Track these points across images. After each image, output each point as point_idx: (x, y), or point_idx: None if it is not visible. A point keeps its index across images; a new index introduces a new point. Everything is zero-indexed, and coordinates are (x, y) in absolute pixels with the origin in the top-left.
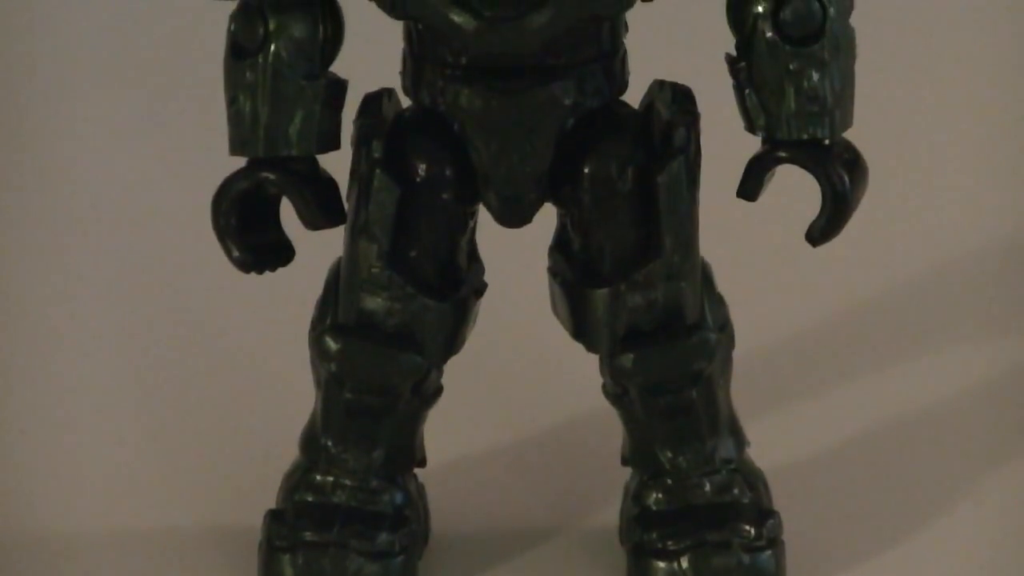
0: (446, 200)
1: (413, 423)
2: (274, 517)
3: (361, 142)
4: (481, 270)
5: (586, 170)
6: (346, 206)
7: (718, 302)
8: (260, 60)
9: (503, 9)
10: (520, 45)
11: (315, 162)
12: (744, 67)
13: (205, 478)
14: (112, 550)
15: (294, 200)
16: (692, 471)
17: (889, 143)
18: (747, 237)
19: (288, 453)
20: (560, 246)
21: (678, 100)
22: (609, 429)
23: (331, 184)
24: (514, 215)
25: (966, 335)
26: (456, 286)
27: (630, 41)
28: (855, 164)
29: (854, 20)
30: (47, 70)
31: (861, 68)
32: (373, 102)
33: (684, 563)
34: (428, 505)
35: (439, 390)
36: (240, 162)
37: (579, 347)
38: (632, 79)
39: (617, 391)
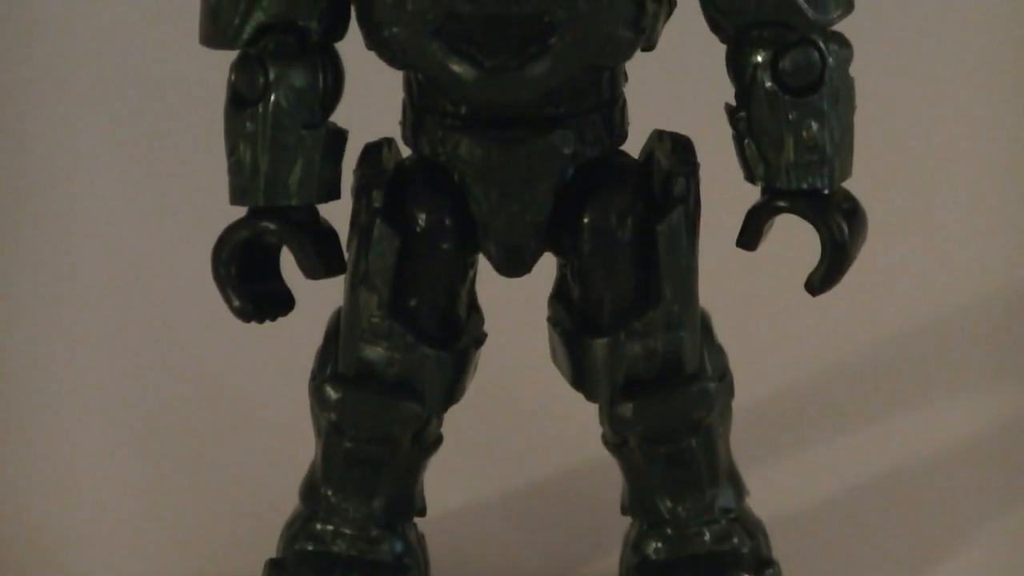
0: (446, 250)
1: (413, 472)
2: (274, 566)
3: (361, 192)
4: (481, 320)
5: (585, 220)
6: (346, 256)
7: (717, 351)
8: (260, 110)
9: (503, 59)
10: (520, 95)
11: (315, 212)
12: (743, 117)
13: (206, 527)
14: None
15: (294, 250)
16: (692, 520)
17: (888, 193)
18: (746, 287)
19: (288, 502)
20: (560, 295)
21: (678, 150)
22: (609, 478)
23: (331, 234)
24: (514, 264)
25: (966, 385)
26: (456, 336)
27: (630, 91)
28: (854, 214)
29: (853, 70)
30: (47, 120)
31: (860, 118)
32: (373, 152)
33: None
34: (428, 554)
35: (439, 439)
36: (240, 211)
37: (579, 396)
38: (632, 129)
39: (617, 440)
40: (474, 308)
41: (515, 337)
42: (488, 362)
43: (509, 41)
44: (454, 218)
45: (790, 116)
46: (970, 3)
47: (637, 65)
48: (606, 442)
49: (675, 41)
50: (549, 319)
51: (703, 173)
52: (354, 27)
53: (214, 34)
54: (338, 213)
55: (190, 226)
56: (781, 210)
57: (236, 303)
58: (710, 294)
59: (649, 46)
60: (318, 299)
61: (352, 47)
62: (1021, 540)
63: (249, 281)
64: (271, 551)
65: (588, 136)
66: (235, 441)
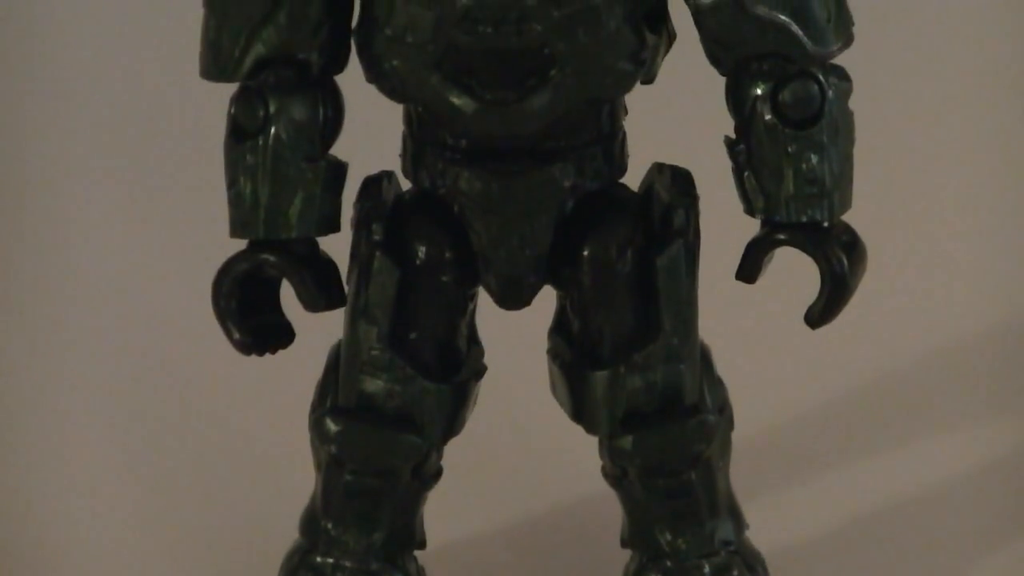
0: (446, 282)
1: (413, 505)
2: None
3: (361, 224)
4: (481, 353)
5: (585, 252)
6: (346, 288)
7: (717, 384)
8: (260, 142)
9: (503, 92)
10: (520, 128)
11: (315, 244)
12: (743, 149)
13: (205, 559)
14: None
15: (294, 282)
16: (691, 553)
17: (887, 225)
18: (746, 319)
19: (288, 534)
20: (559, 328)
21: (677, 183)
22: (608, 511)
23: (331, 266)
24: (514, 297)
25: (966, 417)
26: (456, 368)
27: (629, 124)
28: (854, 246)
29: (853, 102)
30: (49, 155)
31: (860, 149)
32: (373, 185)
33: None
34: None
35: (439, 472)
36: (240, 244)
37: (578, 429)
38: (631, 162)
39: (616, 473)
40: (474, 341)
41: (515, 370)
42: (488, 395)
43: (509, 74)
44: (454, 251)
45: (790, 149)
46: (970, 38)
47: (637, 98)
48: (606, 475)
49: (675, 74)
50: (549, 352)
51: (702, 206)
52: (354, 60)
53: (214, 67)
54: (338, 246)
55: (191, 258)
56: (781, 243)
57: (236, 336)
58: (710, 327)
59: (649, 79)
60: (318, 332)
61: (352, 80)
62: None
63: (249, 314)
64: None
65: (588, 169)
66: (235, 473)
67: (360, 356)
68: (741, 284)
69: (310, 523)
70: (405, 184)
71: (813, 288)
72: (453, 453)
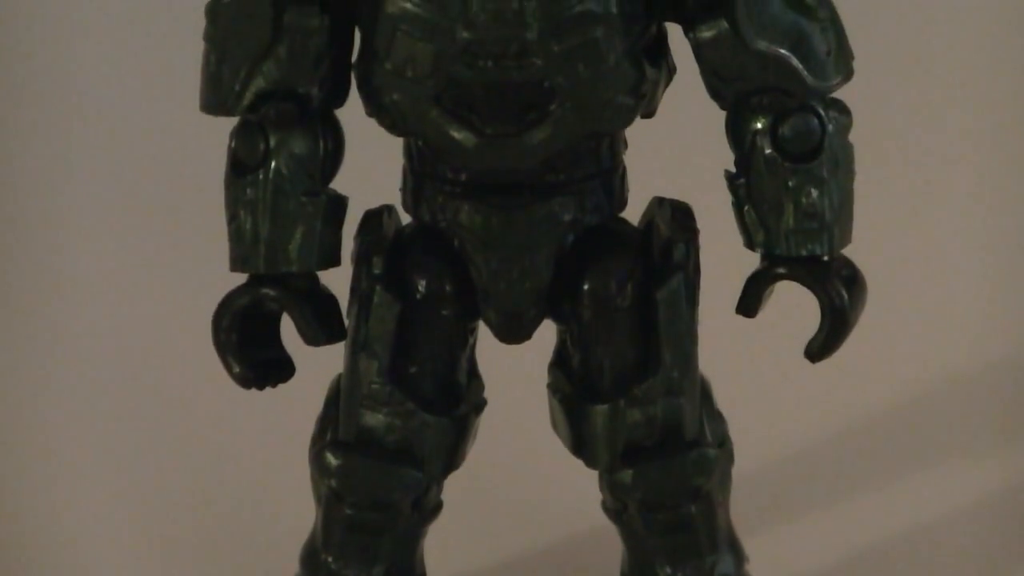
0: (446, 316)
1: (413, 539)
2: None
3: (361, 259)
4: (481, 386)
5: (585, 286)
6: (346, 322)
7: (717, 418)
8: (261, 176)
9: (503, 126)
10: (520, 162)
11: (315, 278)
12: (743, 183)
13: None
14: None
15: (294, 316)
16: None
17: (887, 259)
18: (746, 353)
19: (288, 568)
20: (559, 362)
21: (677, 217)
22: (608, 545)
23: (331, 300)
24: (514, 331)
25: (967, 451)
26: (456, 402)
27: (630, 158)
28: (854, 280)
29: (853, 134)
30: (48, 187)
31: (859, 183)
32: (373, 219)
33: None
34: None
35: (439, 506)
36: (241, 278)
37: (578, 463)
38: (632, 196)
39: (616, 507)
40: (474, 375)
41: (515, 404)
42: (488, 429)
43: (509, 108)
44: (454, 285)
45: (789, 183)
46: (973, 75)
47: (637, 132)
48: (606, 509)
49: (675, 108)
50: (549, 386)
51: (703, 239)
52: (354, 94)
53: (214, 101)
54: (338, 280)
55: (191, 292)
56: (781, 277)
57: (236, 369)
58: (710, 360)
59: (649, 113)
60: (318, 365)
61: (352, 114)
62: None
63: (249, 348)
64: None
65: (588, 203)
66: (235, 507)
67: (360, 390)
68: (741, 318)
69: (310, 557)
70: (405, 218)
71: (813, 322)
72: (453, 487)
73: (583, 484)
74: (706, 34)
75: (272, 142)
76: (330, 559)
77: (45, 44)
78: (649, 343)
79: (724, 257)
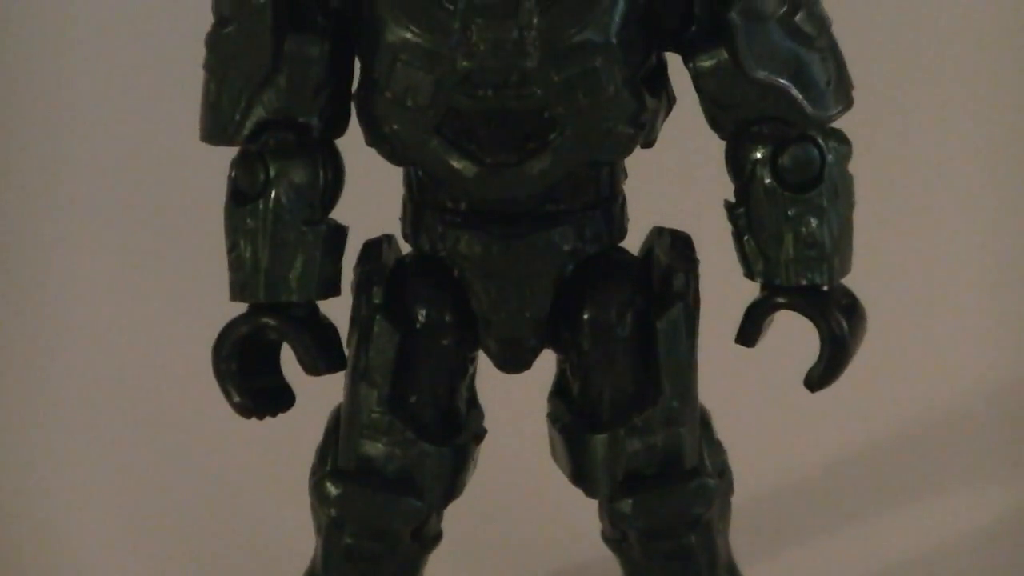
0: (446, 346)
1: (413, 569)
2: None
3: (361, 288)
4: (481, 416)
5: (585, 316)
6: (346, 351)
7: (717, 447)
8: (261, 206)
9: (503, 155)
10: (520, 191)
11: (315, 308)
12: (743, 213)
13: None
14: None
15: (294, 346)
16: None
17: (886, 289)
18: (746, 383)
19: None
20: (559, 392)
21: (677, 246)
22: (608, 574)
23: (331, 330)
24: (514, 360)
25: (967, 481)
26: (456, 431)
27: (629, 187)
28: (853, 310)
29: (853, 165)
30: (48, 218)
31: (858, 212)
32: (373, 248)
33: None
34: None
35: (439, 535)
36: (240, 307)
37: (578, 492)
38: (631, 225)
39: (616, 536)
40: (474, 404)
41: (515, 433)
42: (488, 458)
43: (509, 137)
44: (454, 314)
45: (789, 212)
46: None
47: (637, 162)
48: (606, 538)
49: (674, 138)
50: (549, 415)
51: (702, 269)
52: (354, 123)
53: (215, 130)
54: (338, 309)
55: (191, 321)
56: (780, 306)
57: (236, 399)
58: (710, 390)
59: (649, 142)
60: (318, 395)
61: (352, 143)
62: None
63: (249, 377)
64: None
65: (588, 232)
66: (235, 537)
67: (360, 419)
68: (741, 347)
69: None
70: (405, 248)
71: (813, 351)
72: (453, 516)
73: (583, 513)
74: (706, 63)
75: (272, 171)
76: None
77: (47, 72)
78: (649, 372)
79: (724, 287)
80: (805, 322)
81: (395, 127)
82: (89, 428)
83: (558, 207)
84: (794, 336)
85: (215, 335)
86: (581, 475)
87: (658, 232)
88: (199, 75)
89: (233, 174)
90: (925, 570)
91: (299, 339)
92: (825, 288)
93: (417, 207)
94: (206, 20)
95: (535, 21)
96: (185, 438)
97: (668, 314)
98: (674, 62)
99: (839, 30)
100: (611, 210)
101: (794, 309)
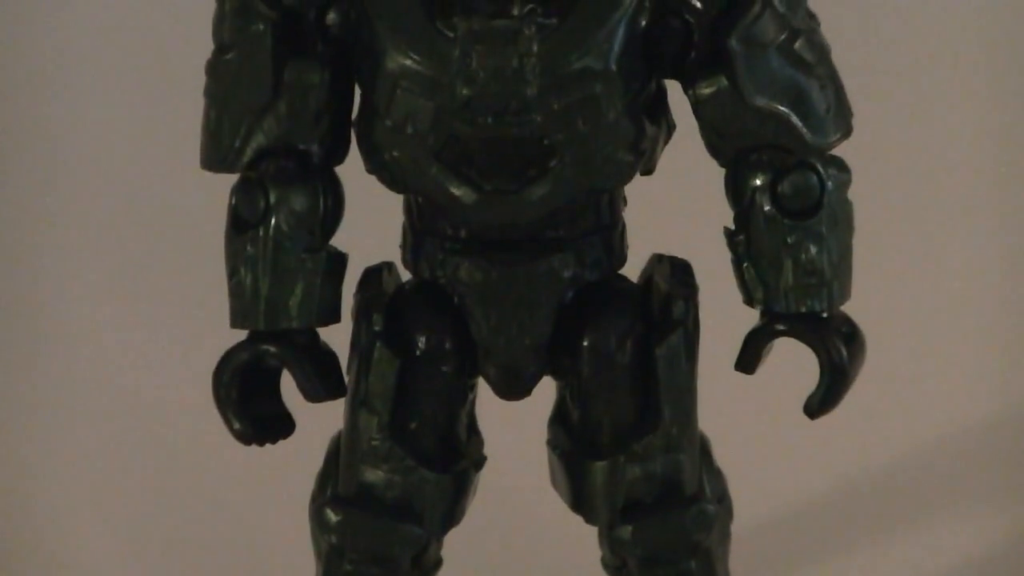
0: (446, 372)
1: None
2: None
3: (361, 315)
4: (481, 442)
5: (585, 342)
6: (346, 378)
7: (716, 474)
8: (261, 233)
9: (503, 182)
10: (519, 218)
11: (316, 335)
12: (742, 240)
13: None
14: None
15: (295, 372)
16: None
17: (885, 315)
18: (745, 409)
19: None
20: (559, 418)
21: (677, 273)
22: None
23: (331, 357)
24: (513, 387)
25: (967, 507)
26: (456, 458)
27: (629, 214)
28: (853, 337)
29: (853, 191)
30: (49, 246)
31: (858, 240)
32: (373, 275)
33: None
34: None
35: (439, 562)
36: (241, 334)
37: (578, 519)
38: (631, 252)
39: (616, 563)
40: (474, 431)
41: (514, 460)
42: (488, 485)
43: (509, 164)
44: (454, 341)
45: (789, 239)
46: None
47: (636, 189)
48: (605, 565)
49: (674, 165)
50: (548, 442)
51: (702, 296)
52: (354, 151)
53: (215, 157)
54: (338, 336)
55: (191, 348)
56: (780, 333)
57: (237, 426)
58: (709, 417)
59: (648, 169)
60: (318, 421)
61: (352, 171)
62: None
63: (250, 404)
64: None
65: (588, 259)
66: (235, 564)
67: (360, 446)
68: (740, 374)
69: None
70: (405, 275)
71: (812, 378)
72: (453, 543)
73: (583, 540)
74: (705, 91)
75: (272, 199)
76: None
77: (47, 103)
78: (648, 399)
79: (723, 314)
80: (804, 349)
81: (395, 154)
82: (90, 459)
83: (558, 234)
84: (793, 363)
85: (215, 362)
86: (581, 502)
87: (658, 259)
88: (199, 102)
89: (233, 201)
90: None
91: (299, 366)
92: (824, 315)
93: (417, 234)
94: (207, 47)
95: (535, 48)
96: (186, 465)
97: (668, 341)
98: (674, 89)
99: (839, 57)
100: (611, 237)
101: (793, 336)
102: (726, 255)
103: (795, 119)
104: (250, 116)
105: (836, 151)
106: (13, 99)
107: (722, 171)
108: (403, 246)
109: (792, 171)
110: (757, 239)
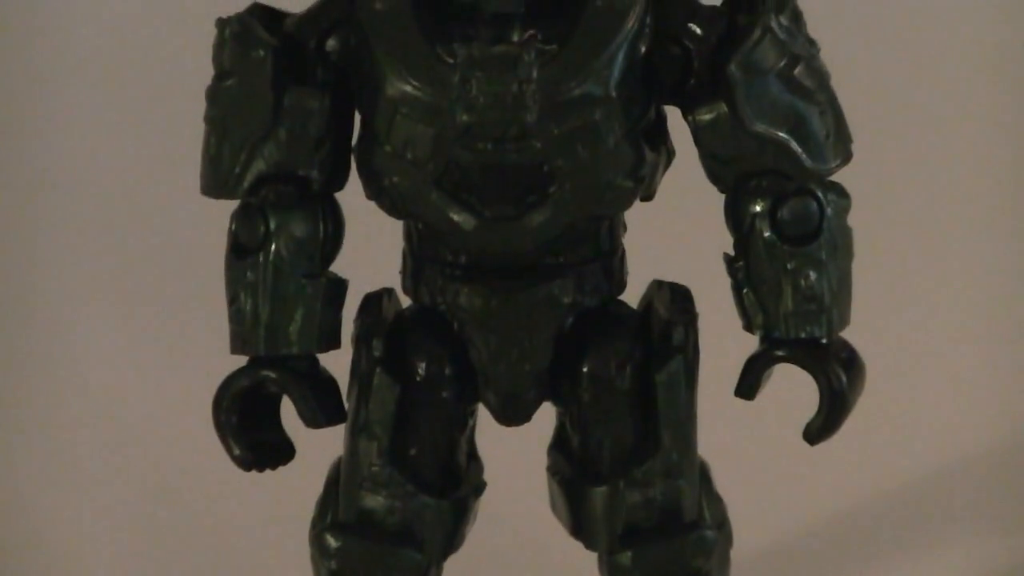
0: (446, 398)
1: None
2: None
3: (361, 341)
4: (481, 468)
5: (585, 368)
6: (346, 404)
7: (716, 500)
8: (261, 259)
9: (503, 208)
10: (519, 244)
11: (315, 361)
12: (742, 266)
13: None
14: None
15: (295, 398)
16: None
17: (885, 341)
18: (745, 436)
19: None
20: (559, 445)
21: (676, 299)
22: None
23: (331, 383)
24: (513, 413)
25: (968, 533)
26: (456, 484)
27: (629, 241)
28: (852, 363)
29: (852, 217)
30: (51, 272)
31: (857, 266)
32: (373, 301)
33: None
34: None
35: None
36: (241, 360)
37: (578, 545)
38: (631, 278)
39: None
40: (474, 457)
41: (514, 486)
42: (488, 511)
43: (508, 190)
44: (454, 367)
45: (788, 265)
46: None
47: (636, 215)
48: None
49: (674, 191)
50: (548, 468)
51: (702, 322)
52: (354, 176)
53: (215, 184)
54: (338, 362)
55: (191, 374)
56: (779, 359)
57: (236, 452)
58: (709, 443)
59: (648, 196)
60: (318, 447)
61: (352, 196)
62: None
63: (249, 430)
64: None
65: (587, 285)
66: None
67: (360, 472)
68: (740, 400)
69: None
70: (405, 301)
71: (812, 404)
72: (453, 569)
73: (583, 566)
74: (705, 117)
75: (272, 224)
76: None
77: (45, 128)
78: (648, 425)
79: (723, 340)
80: (804, 375)
81: (395, 180)
82: (89, 485)
83: (558, 260)
84: (793, 389)
85: (215, 383)
86: (581, 528)
87: (657, 285)
88: (199, 128)
89: (233, 227)
90: None
91: (299, 392)
92: (824, 341)
93: (417, 260)
94: (207, 72)
95: (535, 75)
96: (185, 491)
97: (667, 367)
98: (673, 115)
99: (840, 75)
100: (611, 263)
101: (793, 362)
102: (726, 281)
103: (795, 145)
104: (250, 142)
105: (836, 177)
106: (16, 110)
107: (722, 197)
108: (403, 272)
109: (792, 197)
110: (757, 265)
